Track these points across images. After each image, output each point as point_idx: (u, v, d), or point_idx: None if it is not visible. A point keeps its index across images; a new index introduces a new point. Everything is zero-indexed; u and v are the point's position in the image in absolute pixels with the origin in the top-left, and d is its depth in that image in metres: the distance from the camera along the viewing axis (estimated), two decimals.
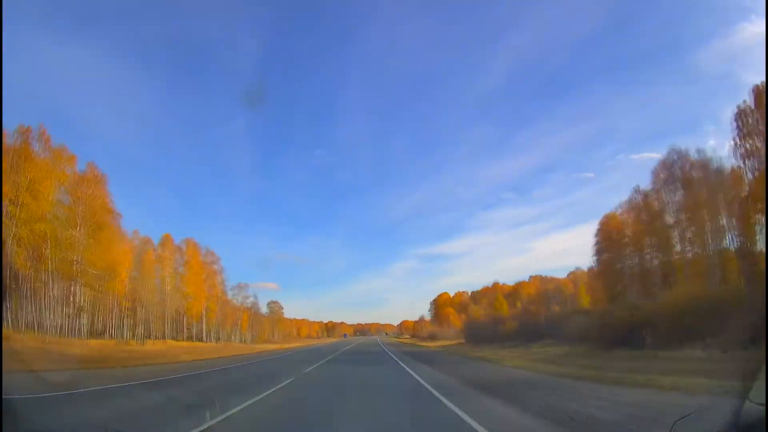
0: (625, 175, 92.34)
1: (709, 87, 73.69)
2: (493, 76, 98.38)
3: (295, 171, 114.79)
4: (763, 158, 22.96)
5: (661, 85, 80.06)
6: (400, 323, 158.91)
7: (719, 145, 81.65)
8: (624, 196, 37.21)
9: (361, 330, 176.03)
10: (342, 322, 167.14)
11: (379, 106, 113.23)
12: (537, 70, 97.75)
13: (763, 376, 2.96)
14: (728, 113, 74.37)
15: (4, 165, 22.83)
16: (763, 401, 2.64)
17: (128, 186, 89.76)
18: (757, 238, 23.66)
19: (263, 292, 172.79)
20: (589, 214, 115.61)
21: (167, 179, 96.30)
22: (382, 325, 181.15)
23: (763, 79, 23.24)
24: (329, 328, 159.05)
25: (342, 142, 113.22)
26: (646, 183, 31.68)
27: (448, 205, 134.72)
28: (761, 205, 22.19)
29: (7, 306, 21.91)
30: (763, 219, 22.55)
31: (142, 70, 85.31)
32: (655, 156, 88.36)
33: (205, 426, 5.31)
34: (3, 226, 22.44)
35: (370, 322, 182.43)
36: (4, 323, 21.02)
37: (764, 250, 22.92)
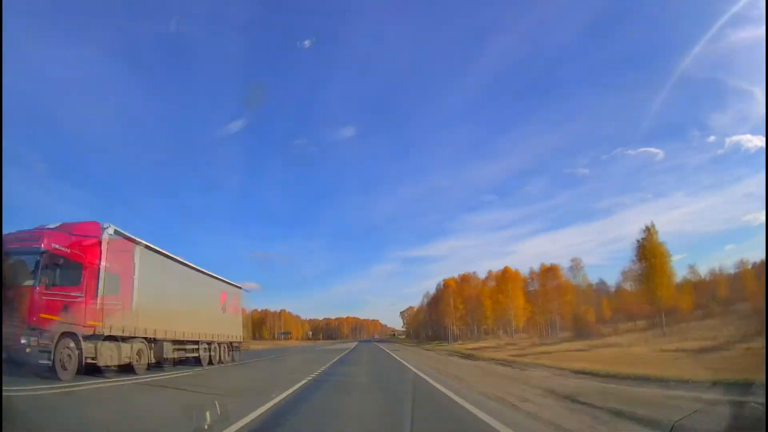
0: (620, 173, 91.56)
1: (693, 92, 73.30)
2: (477, 78, 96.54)
3: (278, 169, 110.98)
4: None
5: (644, 89, 79.69)
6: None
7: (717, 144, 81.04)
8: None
9: (327, 330, 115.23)
10: (282, 310, 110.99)
11: (361, 107, 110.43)
12: (521, 74, 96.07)
13: (763, 376, 2.96)
14: (713, 119, 74.71)
15: None
16: (763, 401, 2.64)
17: (110, 185, 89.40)
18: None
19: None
20: (572, 218, 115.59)
21: (150, 179, 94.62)
22: (363, 321, 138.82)
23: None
24: (255, 322, 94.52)
25: (325, 142, 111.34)
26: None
27: (430, 208, 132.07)
28: None
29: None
30: None
31: (122, 65, 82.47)
32: (654, 151, 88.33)
33: None
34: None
35: (344, 316, 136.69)
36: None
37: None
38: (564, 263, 51.95)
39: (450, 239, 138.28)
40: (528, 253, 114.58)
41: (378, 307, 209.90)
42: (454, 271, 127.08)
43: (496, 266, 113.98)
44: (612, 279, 54.98)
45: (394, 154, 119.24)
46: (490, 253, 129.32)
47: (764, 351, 8.61)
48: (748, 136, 65.78)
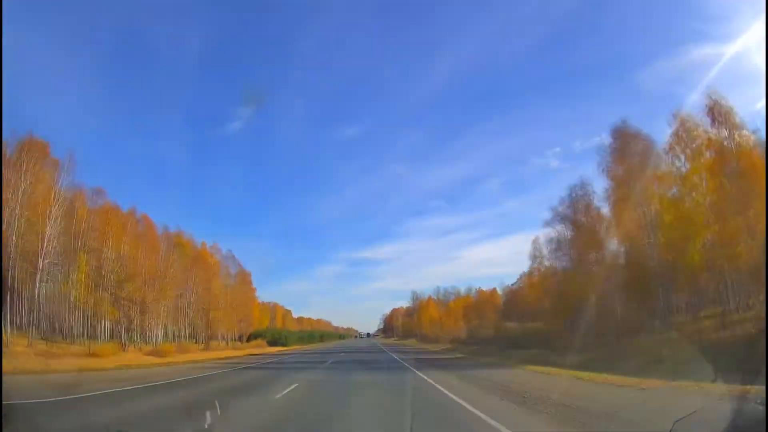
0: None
1: (648, 107, 71.94)
2: (428, 84, 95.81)
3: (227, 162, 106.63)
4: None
5: (598, 102, 78.56)
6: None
7: None
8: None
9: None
10: None
11: (312, 106, 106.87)
12: (473, 82, 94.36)
13: (763, 376, 2.95)
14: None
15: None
16: (763, 401, 2.63)
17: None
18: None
19: None
20: (520, 225, 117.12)
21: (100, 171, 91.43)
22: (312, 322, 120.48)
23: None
24: None
25: (273, 139, 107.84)
26: None
27: (376, 210, 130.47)
28: None
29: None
30: None
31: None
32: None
33: None
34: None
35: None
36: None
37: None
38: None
39: (396, 243, 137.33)
40: (474, 259, 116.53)
41: (324, 308, 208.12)
42: (401, 274, 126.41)
43: (440, 272, 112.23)
44: None
45: (342, 155, 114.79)
46: (436, 258, 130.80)
47: (764, 351, 8.59)
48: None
